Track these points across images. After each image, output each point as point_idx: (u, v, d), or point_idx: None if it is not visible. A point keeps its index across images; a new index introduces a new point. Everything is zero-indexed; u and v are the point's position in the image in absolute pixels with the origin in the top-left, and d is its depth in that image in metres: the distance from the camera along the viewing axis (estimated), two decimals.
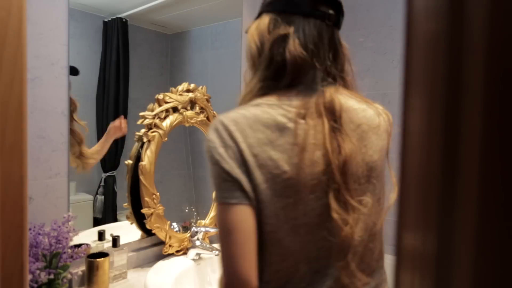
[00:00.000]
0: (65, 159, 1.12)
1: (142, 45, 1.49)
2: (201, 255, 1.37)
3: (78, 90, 1.23)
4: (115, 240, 1.19)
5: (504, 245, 0.16)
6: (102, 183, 1.37)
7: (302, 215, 0.59)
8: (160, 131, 1.31)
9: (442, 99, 0.18)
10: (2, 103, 0.36)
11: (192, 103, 1.47)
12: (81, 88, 1.26)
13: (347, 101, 0.64)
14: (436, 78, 0.18)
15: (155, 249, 1.37)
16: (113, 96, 1.36)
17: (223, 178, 0.58)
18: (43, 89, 1.06)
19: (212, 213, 1.56)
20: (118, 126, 1.34)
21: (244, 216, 0.57)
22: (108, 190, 1.39)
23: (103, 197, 1.37)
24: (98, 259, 1.10)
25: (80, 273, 1.14)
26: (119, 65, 1.38)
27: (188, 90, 1.45)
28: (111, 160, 1.38)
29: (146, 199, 1.27)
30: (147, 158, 1.27)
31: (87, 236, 1.22)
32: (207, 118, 1.51)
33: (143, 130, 1.29)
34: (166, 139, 1.34)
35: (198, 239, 1.36)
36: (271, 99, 0.62)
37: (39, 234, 0.94)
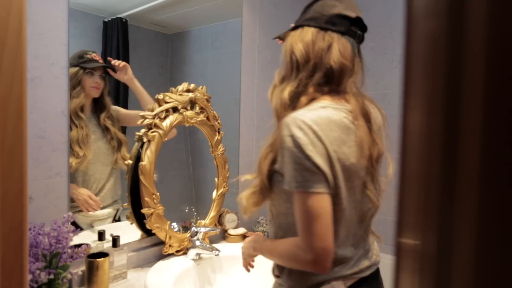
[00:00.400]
0: (65, 159, 1.12)
1: (142, 45, 1.49)
2: (201, 255, 1.37)
3: None
4: (115, 240, 1.19)
5: (504, 245, 0.16)
6: None
7: (354, 194, 0.79)
8: (160, 131, 1.31)
9: (442, 99, 0.18)
10: (2, 103, 0.36)
11: (192, 103, 1.47)
12: None
13: (369, 105, 0.83)
14: (436, 78, 0.18)
15: (155, 249, 1.37)
16: (113, 96, 1.36)
17: (312, 172, 0.70)
18: (43, 89, 1.06)
19: (212, 213, 1.56)
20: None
21: (328, 203, 0.72)
22: None
23: None
24: (98, 259, 1.10)
25: (80, 273, 1.14)
26: None
27: (188, 90, 1.45)
28: None
29: (146, 199, 1.27)
30: (147, 158, 1.27)
31: (87, 236, 1.22)
32: (207, 118, 1.51)
33: (143, 130, 1.29)
34: (166, 139, 1.34)
35: (198, 239, 1.36)
36: (329, 102, 0.77)
37: (39, 234, 0.94)
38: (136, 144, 1.30)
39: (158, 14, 1.53)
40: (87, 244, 1.14)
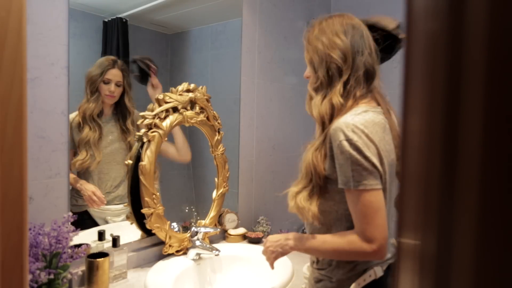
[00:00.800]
0: (65, 159, 1.12)
1: (142, 45, 1.49)
2: (201, 255, 1.36)
3: (78, 89, 1.23)
4: (115, 240, 1.19)
5: (504, 245, 0.16)
6: None
7: (392, 188, 0.89)
8: (160, 131, 1.31)
9: (442, 99, 0.18)
10: (2, 103, 0.36)
11: (192, 103, 1.47)
12: (81, 88, 1.26)
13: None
14: (436, 78, 0.18)
15: (155, 249, 1.37)
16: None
17: (370, 171, 0.79)
18: (43, 89, 1.06)
19: (212, 213, 1.57)
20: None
21: (382, 197, 0.80)
22: None
23: None
24: (98, 259, 1.10)
25: (80, 273, 1.14)
26: None
27: (188, 90, 1.45)
28: None
29: (146, 199, 1.27)
30: (147, 158, 1.27)
31: (87, 236, 1.22)
32: (207, 118, 1.51)
33: (143, 130, 1.29)
34: (166, 139, 1.34)
35: (198, 239, 1.36)
36: (367, 106, 0.85)
37: (39, 234, 0.94)
38: (136, 144, 1.31)
39: (158, 14, 1.53)
40: (87, 244, 1.14)
